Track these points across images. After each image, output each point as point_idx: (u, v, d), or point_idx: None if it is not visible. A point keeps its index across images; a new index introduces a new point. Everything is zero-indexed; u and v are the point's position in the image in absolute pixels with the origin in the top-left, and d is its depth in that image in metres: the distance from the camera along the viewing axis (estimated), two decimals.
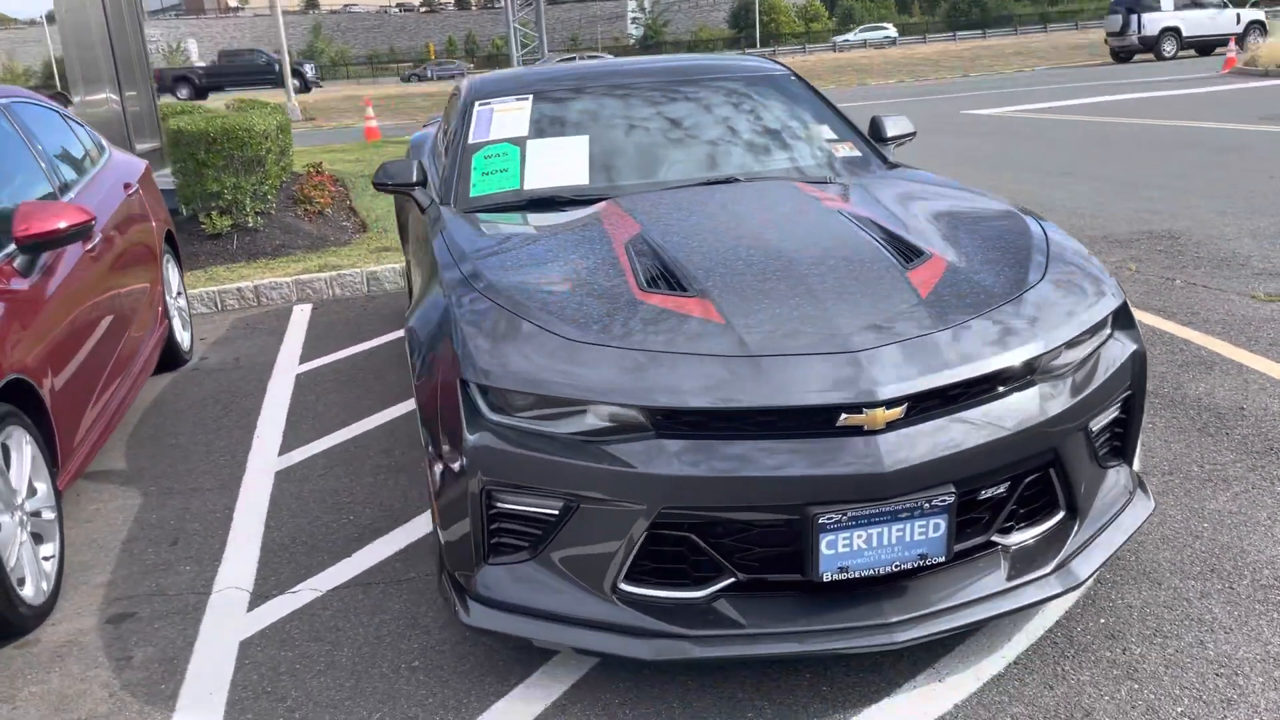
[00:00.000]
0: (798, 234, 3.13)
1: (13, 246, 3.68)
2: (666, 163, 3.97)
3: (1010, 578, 2.65)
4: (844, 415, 2.46)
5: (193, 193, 8.07)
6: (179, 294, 6.03)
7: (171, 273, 5.89)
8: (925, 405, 2.53)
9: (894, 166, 4.15)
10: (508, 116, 4.16)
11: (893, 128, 4.44)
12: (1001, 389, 2.62)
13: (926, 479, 2.48)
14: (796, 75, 4.56)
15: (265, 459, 4.50)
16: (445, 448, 2.72)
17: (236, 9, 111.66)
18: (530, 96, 4.23)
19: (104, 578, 3.57)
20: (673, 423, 2.52)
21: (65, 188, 4.61)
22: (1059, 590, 2.66)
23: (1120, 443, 3.00)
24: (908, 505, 2.47)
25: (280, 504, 4.04)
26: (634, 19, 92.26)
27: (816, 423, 2.48)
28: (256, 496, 4.13)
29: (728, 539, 2.56)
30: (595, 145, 4.00)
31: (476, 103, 4.25)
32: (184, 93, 42.72)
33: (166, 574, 3.56)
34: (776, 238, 3.09)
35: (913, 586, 2.60)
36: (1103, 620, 2.90)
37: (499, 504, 2.66)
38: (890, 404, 2.47)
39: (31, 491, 3.37)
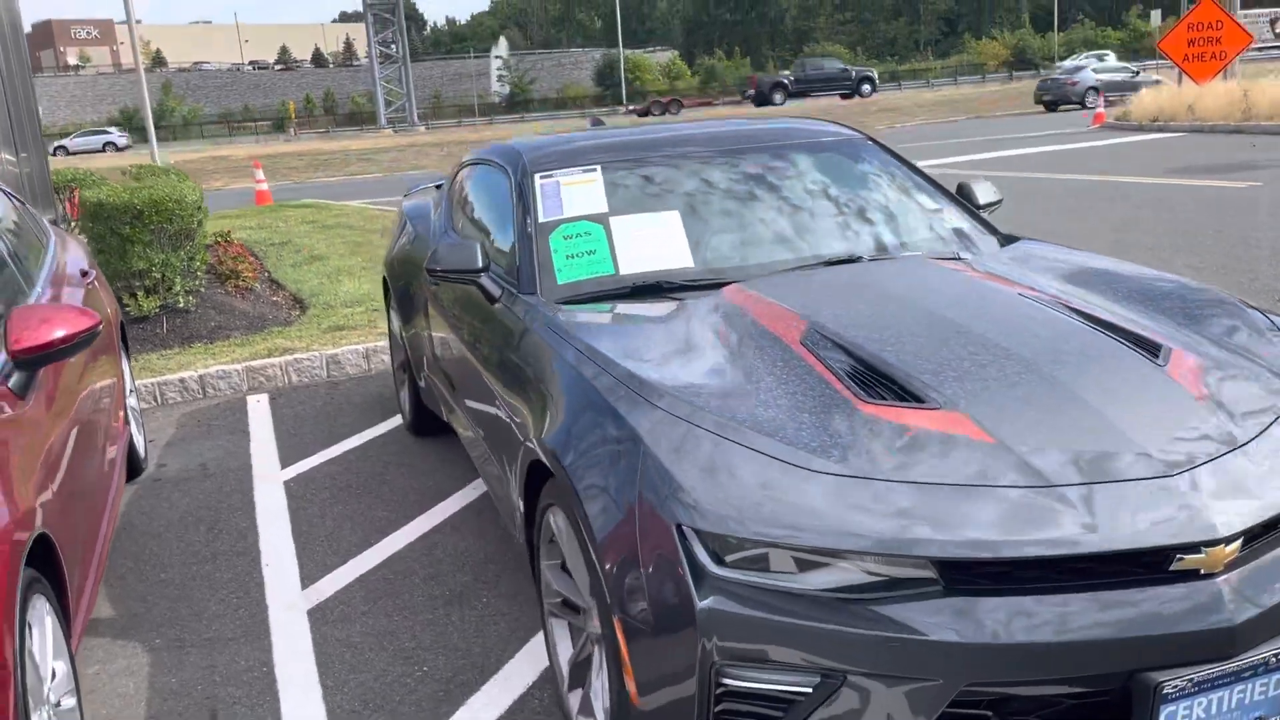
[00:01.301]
0: (1003, 322, 2.70)
1: (3, 361, 2.94)
2: (776, 240, 3.50)
3: None
4: (1179, 556, 2.03)
5: (114, 271, 7.20)
6: (131, 391, 5.24)
7: (125, 369, 5.11)
8: (1255, 535, 2.12)
9: (1009, 238, 3.79)
10: (576, 190, 3.64)
11: (982, 195, 4.10)
12: None
13: (1273, 629, 2.06)
14: (873, 139, 4.18)
15: (287, 595, 3.79)
16: (649, 609, 2.17)
17: (77, 67, 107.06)
18: (598, 167, 3.72)
19: None
20: (968, 575, 2.04)
21: (28, 279, 3.86)
22: None
23: None
24: (1253, 662, 2.05)
25: (329, 655, 3.36)
26: (500, 76, 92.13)
27: (1144, 567, 2.04)
28: (295, 645, 3.43)
29: (1031, 714, 2.08)
30: (689, 221, 3.52)
31: (537, 175, 3.71)
32: (778, 98, 49.67)
33: None
34: (985, 328, 2.65)
35: None
36: None
37: (729, 680, 2.13)
38: (1229, 539, 2.05)
39: (52, 675, 2.64)
